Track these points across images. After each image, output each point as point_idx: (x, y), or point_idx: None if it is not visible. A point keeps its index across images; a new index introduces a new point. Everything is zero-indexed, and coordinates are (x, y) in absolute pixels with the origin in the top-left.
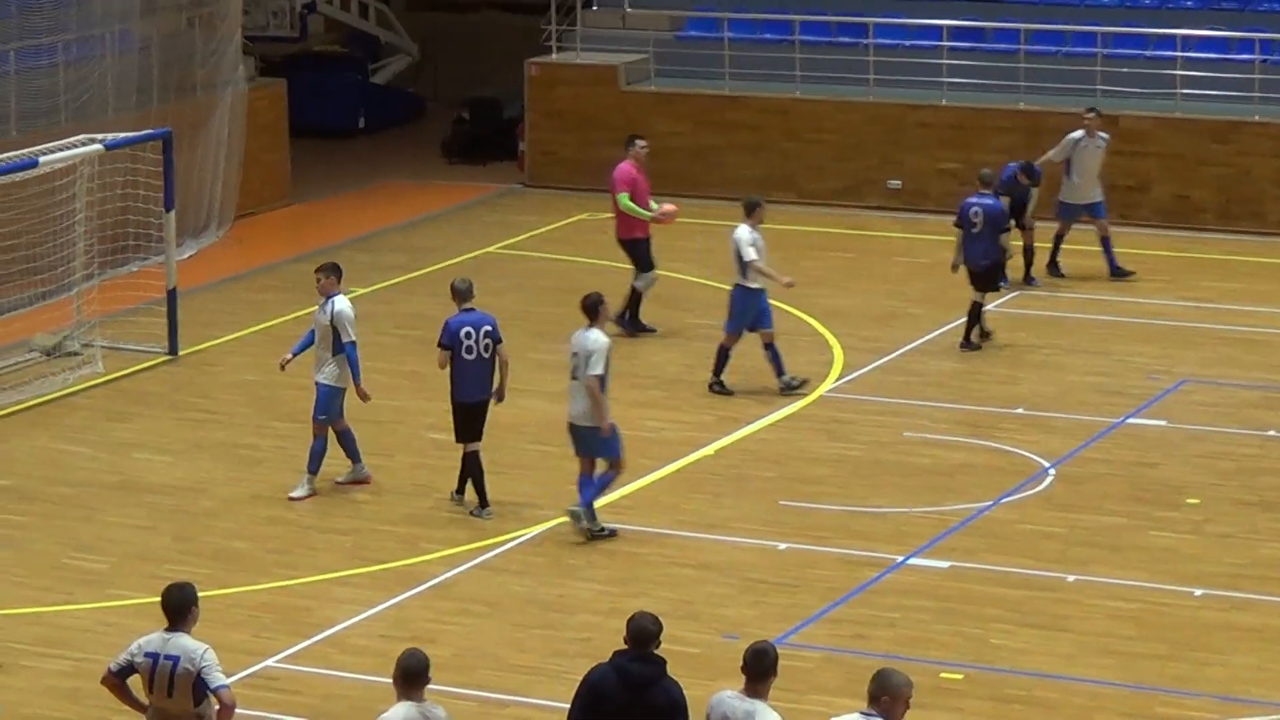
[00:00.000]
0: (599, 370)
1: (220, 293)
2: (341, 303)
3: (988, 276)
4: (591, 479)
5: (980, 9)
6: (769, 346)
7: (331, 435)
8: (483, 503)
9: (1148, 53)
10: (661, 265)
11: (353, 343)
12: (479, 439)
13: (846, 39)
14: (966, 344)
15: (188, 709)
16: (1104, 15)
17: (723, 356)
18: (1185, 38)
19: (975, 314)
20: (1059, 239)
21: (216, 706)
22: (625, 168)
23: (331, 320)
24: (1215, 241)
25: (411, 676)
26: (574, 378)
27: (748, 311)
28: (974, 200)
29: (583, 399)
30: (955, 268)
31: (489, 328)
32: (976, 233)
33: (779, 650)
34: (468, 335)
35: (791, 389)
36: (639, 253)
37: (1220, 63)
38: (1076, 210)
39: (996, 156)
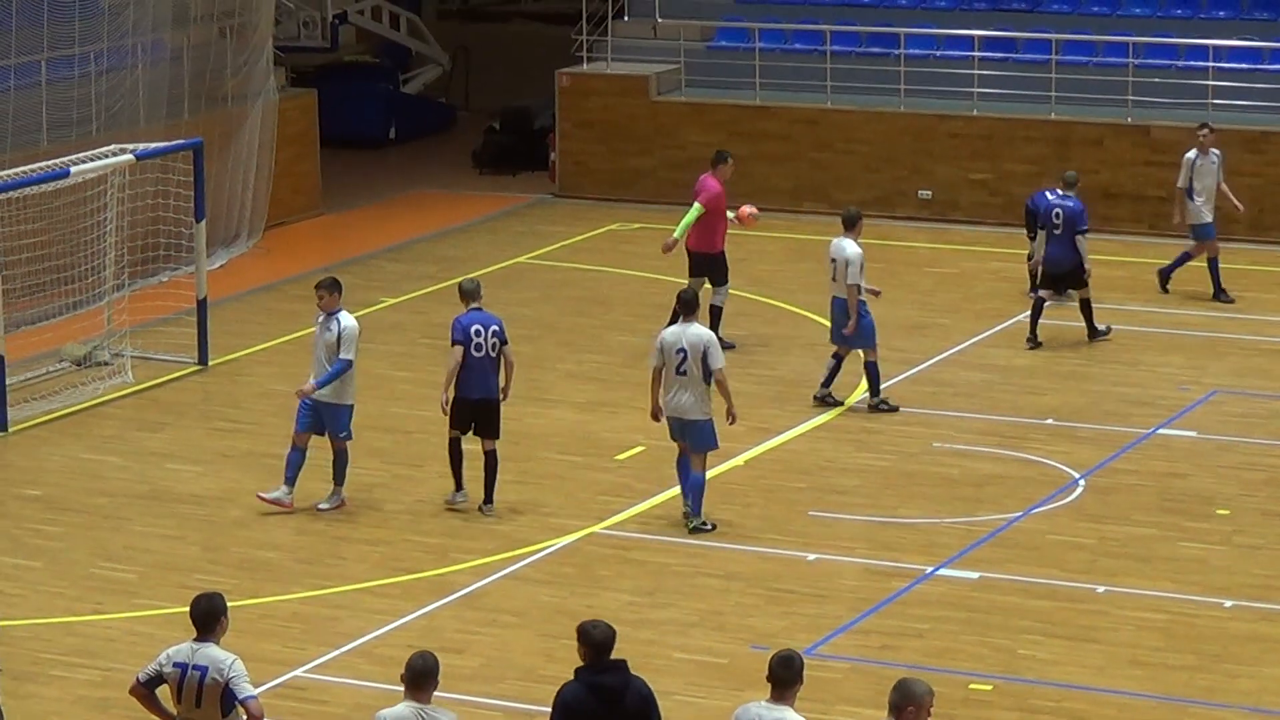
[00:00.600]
0: (721, 363)
1: (250, 303)
2: (349, 319)
3: (1066, 279)
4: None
5: (1011, 19)
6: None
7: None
8: (488, 498)
9: (1179, 63)
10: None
11: (349, 361)
12: (497, 436)
13: (877, 49)
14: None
15: (216, 719)
16: (1135, 25)
17: (872, 373)
18: (1216, 48)
19: (1038, 310)
20: (1213, 264)
21: (244, 717)
22: (711, 182)
23: (339, 336)
24: (1246, 251)
25: (418, 677)
26: (679, 373)
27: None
28: (1056, 201)
29: (688, 394)
30: (1032, 259)
31: (496, 327)
32: (1058, 234)
33: (807, 660)
34: (477, 333)
35: (878, 409)
36: (717, 266)
37: (1251, 73)
38: (1209, 229)
39: (1027, 167)
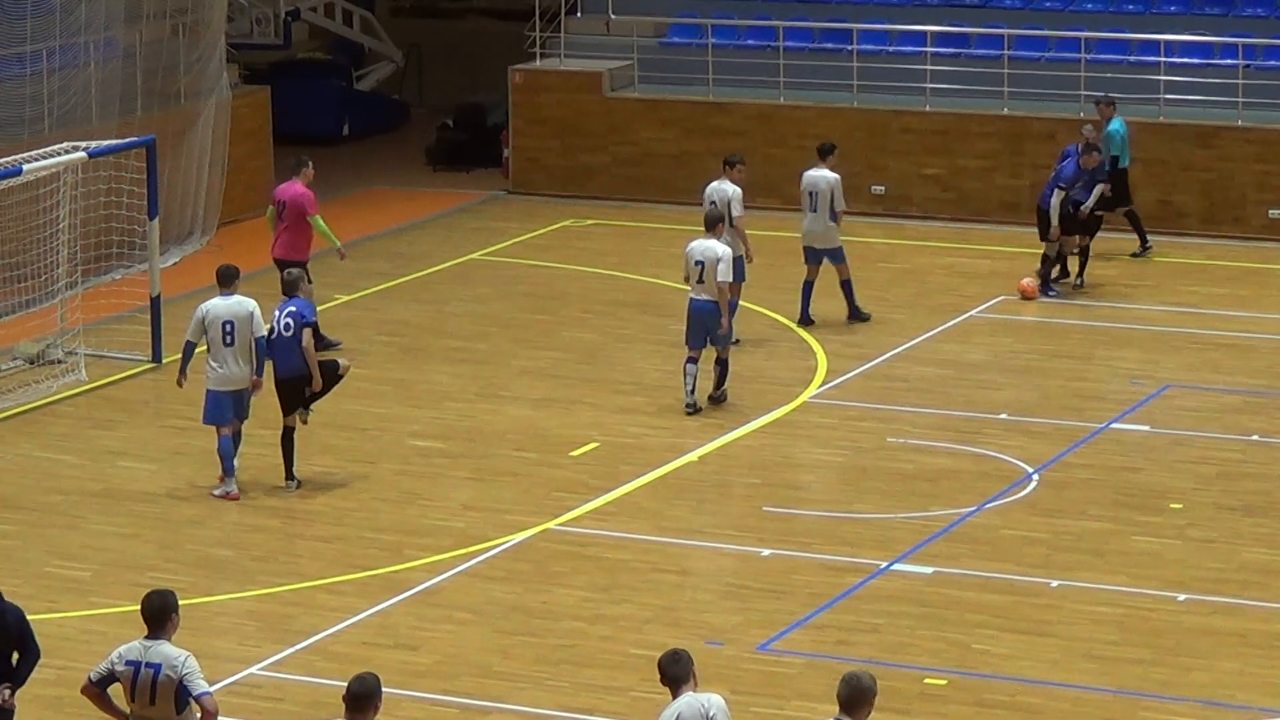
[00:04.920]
0: (741, 211)
1: (204, 300)
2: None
3: None
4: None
5: (964, 15)
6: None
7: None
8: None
9: (1131, 58)
10: (643, 271)
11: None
12: (286, 413)
13: (830, 45)
14: None
15: (170, 716)
16: (1088, 20)
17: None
18: (1169, 43)
19: None
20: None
21: (199, 714)
22: (305, 190)
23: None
24: (1198, 246)
25: (355, 700)
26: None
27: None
28: None
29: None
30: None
31: (292, 308)
32: None
33: (762, 655)
34: (276, 314)
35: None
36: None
37: (1203, 68)
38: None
39: (980, 162)
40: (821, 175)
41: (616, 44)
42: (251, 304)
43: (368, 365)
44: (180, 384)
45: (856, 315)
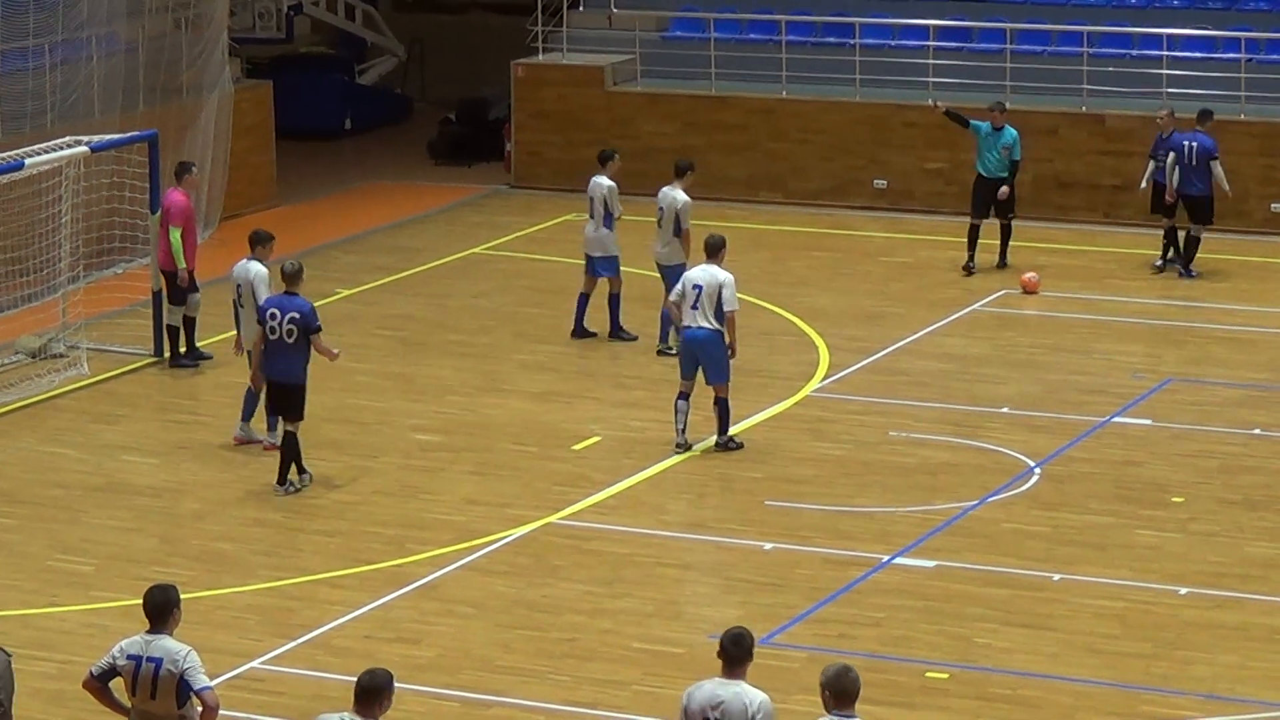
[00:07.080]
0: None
1: (206, 295)
2: None
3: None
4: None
5: (966, 9)
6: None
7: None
8: (281, 479)
9: (1134, 52)
10: (645, 265)
11: None
12: (297, 419)
13: (833, 39)
14: None
15: (171, 711)
16: (1090, 14)
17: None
18: (1171, 37)
19: None
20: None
21: (200, 708)
22: (180, 199)
23: None
24: (1201, 240)
25: (364, 693)
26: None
27: None
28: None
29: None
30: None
31: (295, 314)
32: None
33: (764, 649)
34: (272, 316)
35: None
36: (179, 285)
37: (1206, 62)
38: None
39: None
40: (599, 182)
41: (619, 38)
42: (254, 269)
43: (369, 359)
44: (237, 350)
45: (618, 333)
